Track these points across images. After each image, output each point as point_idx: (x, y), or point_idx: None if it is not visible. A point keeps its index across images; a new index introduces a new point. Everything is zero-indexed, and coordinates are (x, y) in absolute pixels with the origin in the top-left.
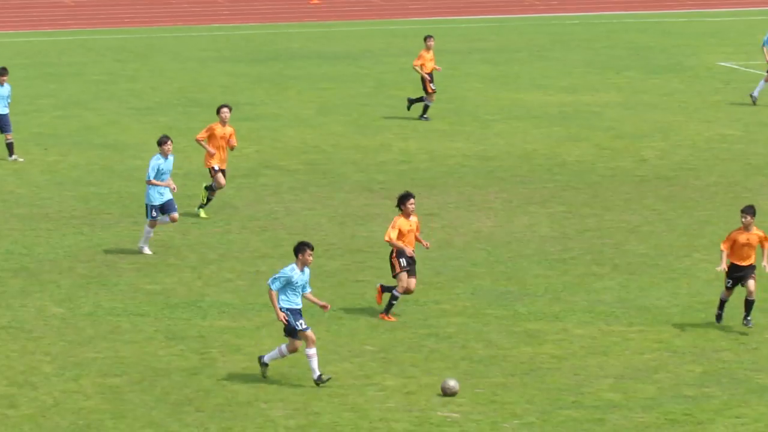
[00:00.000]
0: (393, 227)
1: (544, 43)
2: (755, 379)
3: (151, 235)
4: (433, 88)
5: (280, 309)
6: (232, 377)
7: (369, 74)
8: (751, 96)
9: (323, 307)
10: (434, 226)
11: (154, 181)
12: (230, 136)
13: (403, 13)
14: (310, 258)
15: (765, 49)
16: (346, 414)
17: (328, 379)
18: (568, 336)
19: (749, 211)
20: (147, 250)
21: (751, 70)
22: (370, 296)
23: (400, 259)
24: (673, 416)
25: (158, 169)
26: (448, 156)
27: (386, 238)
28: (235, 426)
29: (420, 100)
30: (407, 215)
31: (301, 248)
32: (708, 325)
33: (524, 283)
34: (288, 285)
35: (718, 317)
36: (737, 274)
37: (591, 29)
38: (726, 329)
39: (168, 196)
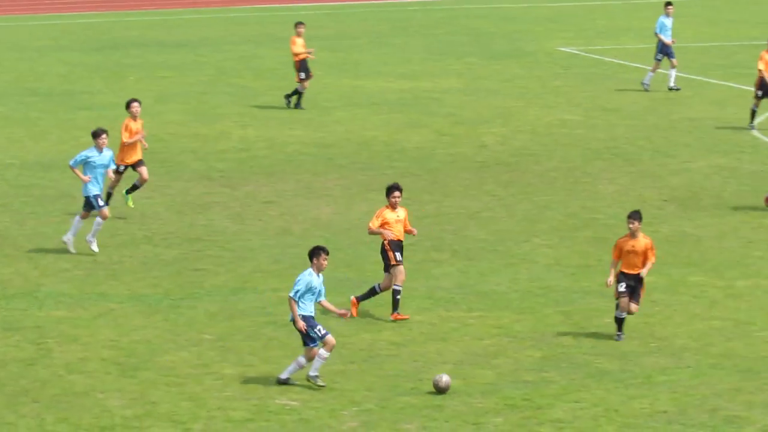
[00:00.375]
0: (376, 217)
1: (384, 29)
2: (594, 364)
3: (100, 228)
4: (302, 76)
5: (301, 316)
6: (68, 367)
7: (208, 62)
8: (642, 84)
9: (342, 315)
10: (273, 214)
11: (75, 169)
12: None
13: (242, 0)
14: (325, 262)
15: (658, 34)
16: (184, 403)
17: (320, 386)
18: (407, 322)
19: (636, 216)
20: (94, 247)
21: (591, 55)
22: (209, 285)
23: (396, 253)
24: (512, 401)
25: (86, 161)
26: (287, 143)
27: (368, 229)
28: (71, 416)
29: (295, 93)
30: (393, 207)
31: (316, 252)
32: (547, 310)
33: (363, 270)
34: (307, 291)
35: (618, 336)
36: (630, 283)
37: (431, 15)
38: (565, 314)
39: (100, 188)
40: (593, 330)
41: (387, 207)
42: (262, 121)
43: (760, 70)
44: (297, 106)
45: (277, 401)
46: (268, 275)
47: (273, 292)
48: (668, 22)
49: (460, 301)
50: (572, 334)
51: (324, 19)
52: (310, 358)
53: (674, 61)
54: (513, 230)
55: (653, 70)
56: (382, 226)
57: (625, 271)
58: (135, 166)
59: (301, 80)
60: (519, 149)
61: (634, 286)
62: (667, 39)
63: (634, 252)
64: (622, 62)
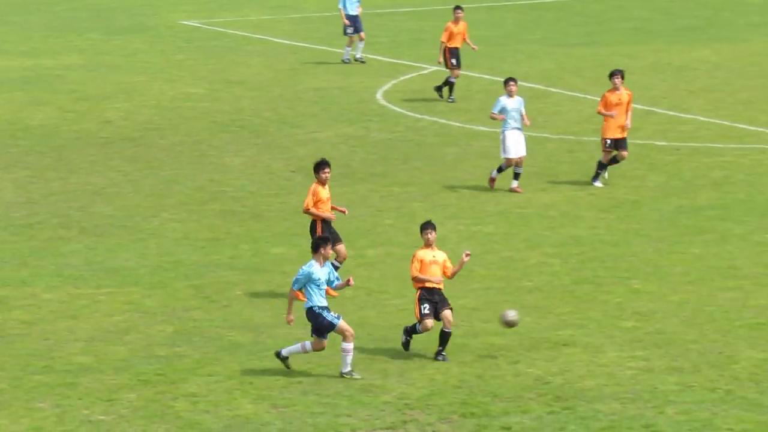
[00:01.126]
0: (312, 195)
1: (2, 7)
2: (227, 337)
3: None
4: None
5: (310, 308)
6: None
7: None
8: (346, 59)
9: (348, 283)
10: None
11: None
12: None
13: None
14: (330, 252)
15: (341, 9)
16: None
17: (355, 378)
18: (36, 301)
19: (432, 226)
20: None
21: (214, 28)
22: None
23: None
24: (145, 377)
25: None
26: None
27: (305, 208)
28: None
29: None
30: (323, 183)
31: (319, 243)
32: (178, 284)
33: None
34: (310, 282)
35: (406, 345)
36: (434, 299)
37: None
38: (196, 288)
39: None
40: (224, 303)
41: (317, 184)
42: None
43: (443, 42)
44: None
45: None
46: None
47: None
48: None
49: (89, 278)
50: (203, 308)
51: None
52: (318, 348)
53: (362, 34)
54: (140, 205)
55: (349, 45)
56: (315, 204)
57: (428, 286)
58: None
59: None
60: (144, 124)
61: (439, 300)
62: (351, 12)
63: (435, 263)
64: (245, 34)
